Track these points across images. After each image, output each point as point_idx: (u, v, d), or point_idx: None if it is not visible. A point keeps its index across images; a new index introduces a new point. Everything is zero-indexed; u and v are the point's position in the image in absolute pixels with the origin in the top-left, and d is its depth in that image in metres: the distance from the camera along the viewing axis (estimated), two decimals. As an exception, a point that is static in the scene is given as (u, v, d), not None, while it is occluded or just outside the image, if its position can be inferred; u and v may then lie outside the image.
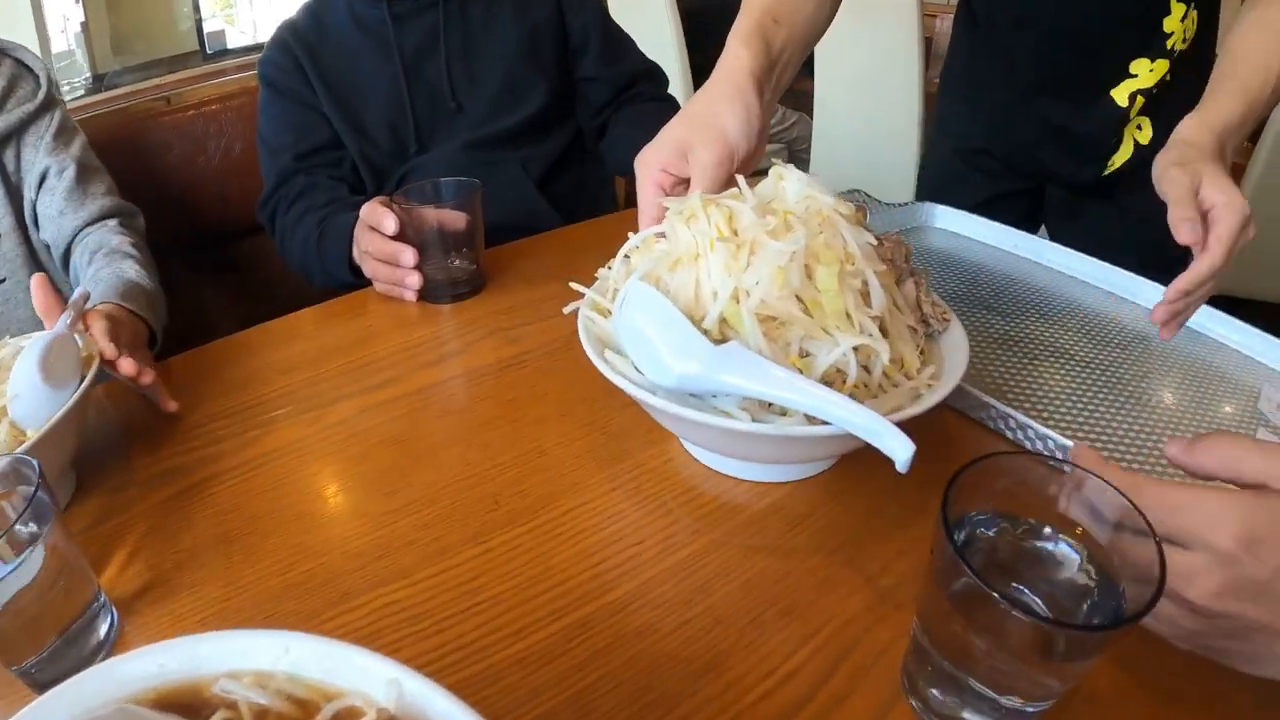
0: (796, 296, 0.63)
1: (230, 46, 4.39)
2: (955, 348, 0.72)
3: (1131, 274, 1.09)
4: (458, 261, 1.07)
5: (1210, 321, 1.00)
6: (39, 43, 4.03)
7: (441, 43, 1.47)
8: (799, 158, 3.68)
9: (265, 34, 4.56)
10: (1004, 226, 1.24)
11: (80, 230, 1.19)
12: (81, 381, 0.74)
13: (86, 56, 4.13)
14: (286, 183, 1.42)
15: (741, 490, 0.72)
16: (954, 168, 1.48)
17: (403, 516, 0.70)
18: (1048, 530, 0.52)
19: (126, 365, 0.83)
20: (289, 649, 0.38)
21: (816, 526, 0.68)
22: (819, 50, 3.16)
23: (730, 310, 0.64)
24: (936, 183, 1.51)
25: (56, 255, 1.21)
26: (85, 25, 4.22)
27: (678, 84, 3.41)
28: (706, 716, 0.53)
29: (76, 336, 0.80)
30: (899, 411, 0.61)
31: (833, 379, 0.62)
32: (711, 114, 0.80)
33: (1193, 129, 0.87)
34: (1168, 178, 0.82)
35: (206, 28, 4.22)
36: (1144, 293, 1.07)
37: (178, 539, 0.70)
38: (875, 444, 0.56)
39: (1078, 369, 0.92)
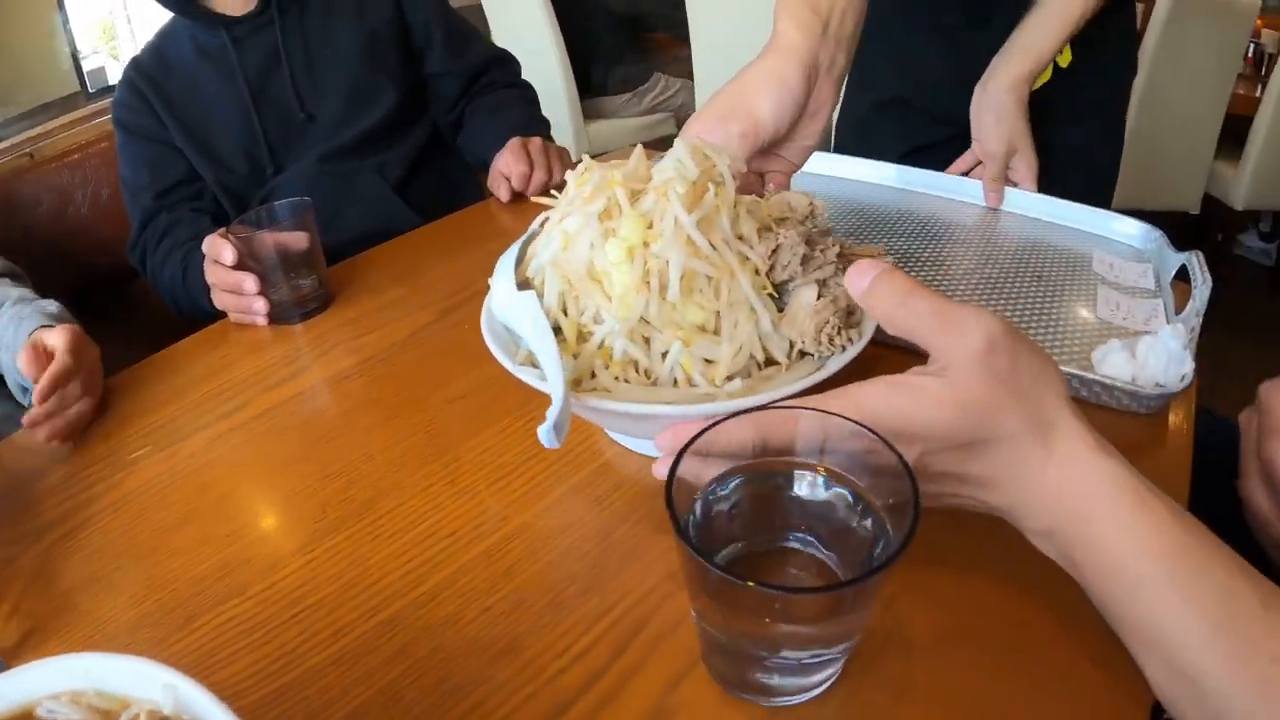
0: (591, 267, 0.65)
1: (112, 83, 4.31)
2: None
3: (968, 180, 1.20)
4: (301, 280, 1.08)
5: (1039, 206, 1.14)
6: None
7: (284, 58, 1.47)
8: (686, 124, 3.68)
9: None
10: (853, 159, 1.30)
11: None
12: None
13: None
14: (151, 222, 1.42)
15: (552, 472, 0.75)
16: (872, 121, 1.47)
17: (241, 537, 0.73)
18: (805, 473, 0.53)
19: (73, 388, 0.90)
20: (88, 670, 0.42)
21: (624, 499, 0.71)
22: (692, 14, 3.18)
23: (545, 270, 0.68)
24: (855, 137, 1.50)
25: None
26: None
27: (554, 61, 3.41)
28: (503, 698, 0.55)
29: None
30: (652, 405, 0.61)
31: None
32: (747, 92, 0.78)
33: (1014, 80, 1.06)
34: (986, 129, 1.05)
35: (86, 65, 4.12)
36: (980, 193, 1.20)
37: (53, 585, 0.72)
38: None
39: (932, 269, 1.03)
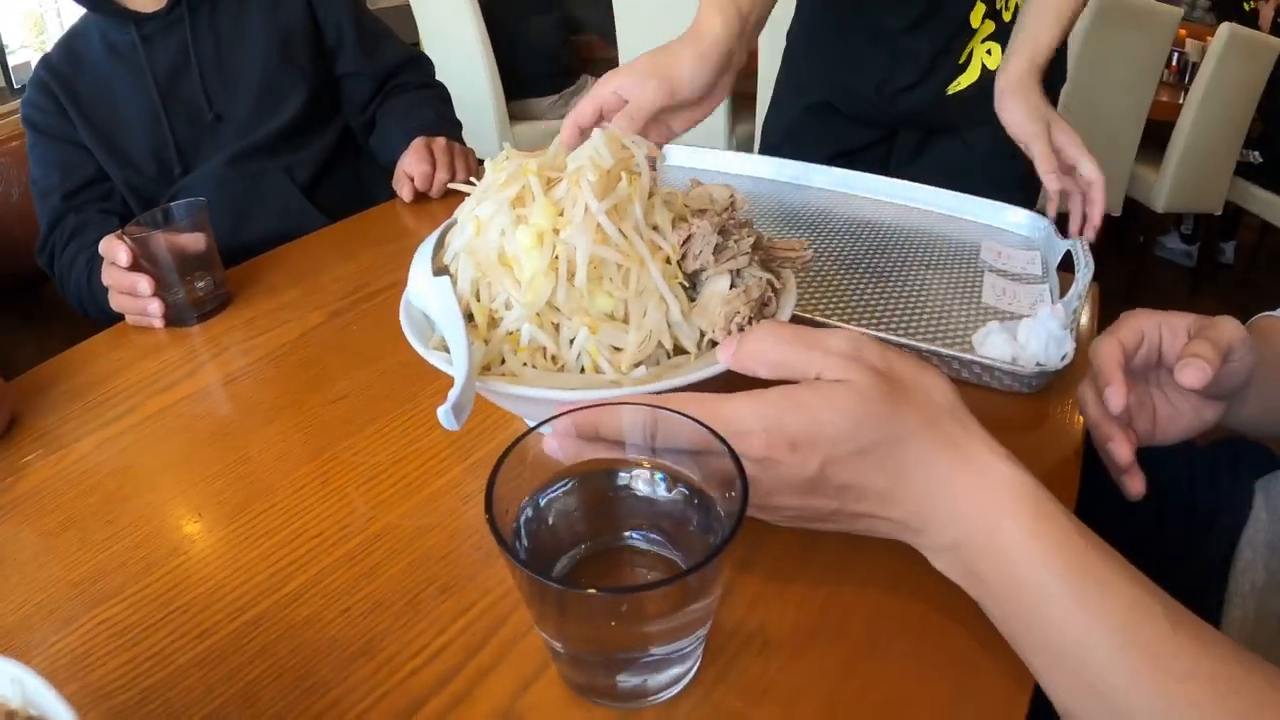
0: (502, 253, 0.67)
1: (40, 79, 4.22)
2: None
3: (873, 175, 1.27)
4: (198, 282, 1.08)
5: (932, 198, 1.22)
6: None
7: (193, 56, 1.46)
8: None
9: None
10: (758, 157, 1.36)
11: None
12: None
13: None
14: (59, 224, 1.41)
15: (422, 472, 0.77)
16: (801, 125, 1.53)
17: (119, 540, 0.74)
18: (639, 472, 0.54)
19: None
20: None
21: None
22: (619, 16, 3.20)
23: (459, 257, 0.70)
24: (784, 139, 1.55)
25: None
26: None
27: (480, 62, 3.40)
28: (358, 697, 0.57)
29: None
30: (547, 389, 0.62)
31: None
32: (669, 59, 0.86)
33: (1023, 69, 1.09)
34: (1013, 112, 1.06)
35: (12, 60, 4.03)
36: (880, 188, 1.27)
37: None
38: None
39: (827, 261, 1.08)
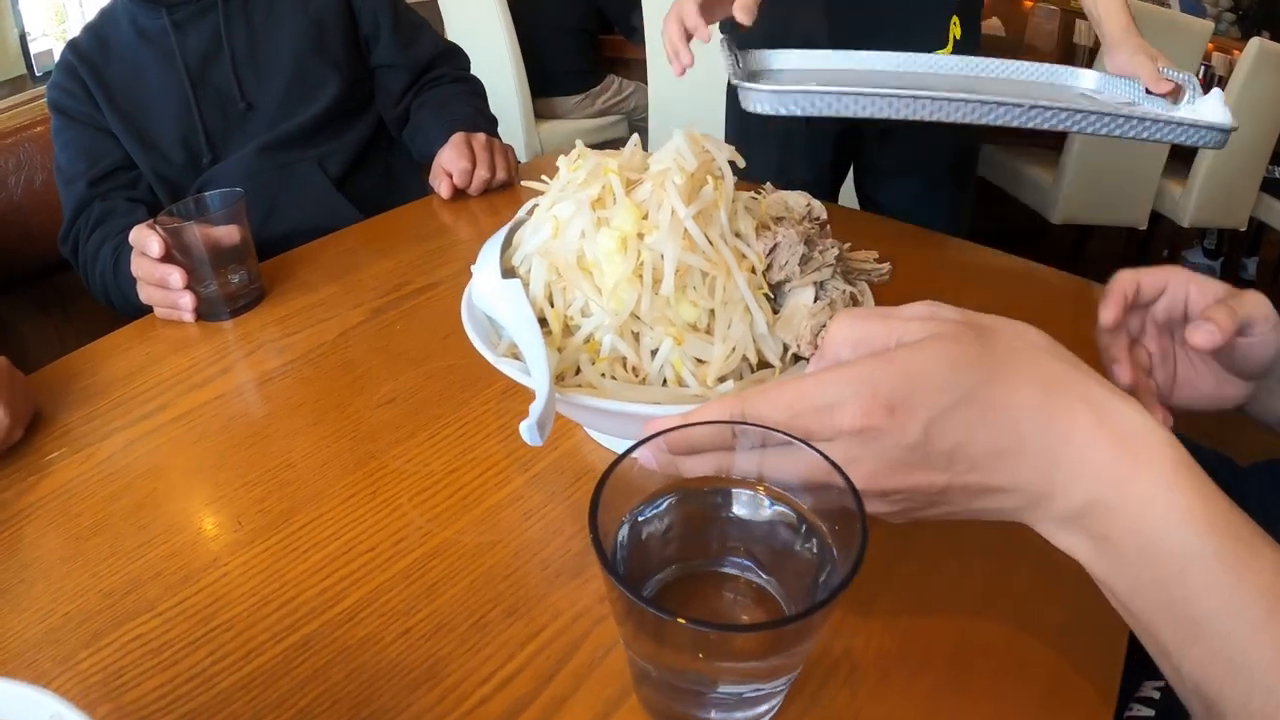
0: (581, 256, 0.64)
1: (60, 66, 4.24)
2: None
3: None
4: (232, 276, 1.05)
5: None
6: None
7: (225, 43, 1.43)
8: (638, 127, 3.70)
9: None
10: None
11: None
12: None
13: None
14: (84, 211, 1.38)
15: (480, 484, 0.73)
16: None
17: (153, 548, 0.70)
18: (743, 491, 0.50)
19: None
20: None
21: (554, 514, 0.69)
22: (648, 16, 3.17)
23: (533, 259, 0.67)
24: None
25: None
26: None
27: (507, 60, 3.40)
28: None
29: None
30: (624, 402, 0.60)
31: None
32: None
33: (1125, 29, 1.21)
34: (1129, 59, 1.16)
35: (34, 48, 4.04)
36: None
37: None
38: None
39: None
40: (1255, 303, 0.63)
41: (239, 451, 0.80)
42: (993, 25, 4.05)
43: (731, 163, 0.69)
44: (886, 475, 0.46)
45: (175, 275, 1.03)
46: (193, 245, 1.02)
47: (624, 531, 0.49)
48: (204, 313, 1.06)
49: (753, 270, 0.64)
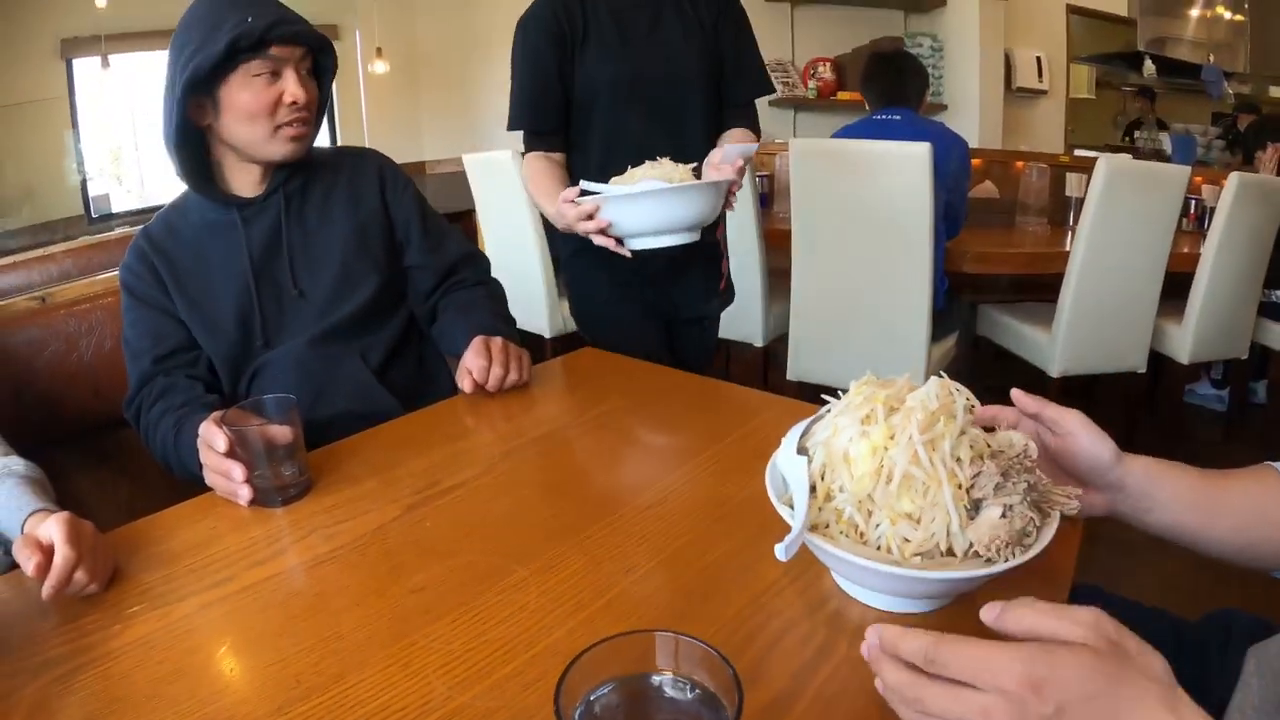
0: (846, 452, 0.93)
1: (115, 210, 4.50)
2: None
3: None
4: (284, 469, 1.26)
5: None
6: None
7: (284, 240, 1.68)
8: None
9: (151, 191, 4.69)
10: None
11: None
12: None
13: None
14: (148, 384, 1.59)
15: (492, 659, 0.93)
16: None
17: (226, 695, 0.90)
18: (665, 678, 0.73)
19: (78, 576, 1.02)
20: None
21: (546, 688, 0.88)
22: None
23: (818, 446, 0.99)
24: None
25: None
26: (-36, 188, 4.30)
27: (531, 241, 3.68)
28: None
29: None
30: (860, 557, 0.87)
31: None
32: None
33: None
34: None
35: (92, 190, 4.30)
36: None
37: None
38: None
39: None
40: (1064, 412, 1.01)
41: (296, 622, 1.01)
42: (985, 188, 4.30)
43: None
44: None
45: (237, 470, 1.23)
46: (252, 443, 1.23)
47: (581, 708, 0.71)
48: (259, 500, 1.26)
49: (959, 486, 0.89)
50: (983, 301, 4.02)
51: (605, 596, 1.03)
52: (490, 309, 1.86)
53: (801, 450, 1.00)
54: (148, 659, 0.97)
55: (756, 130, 2.25)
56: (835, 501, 0.93)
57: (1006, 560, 0.86)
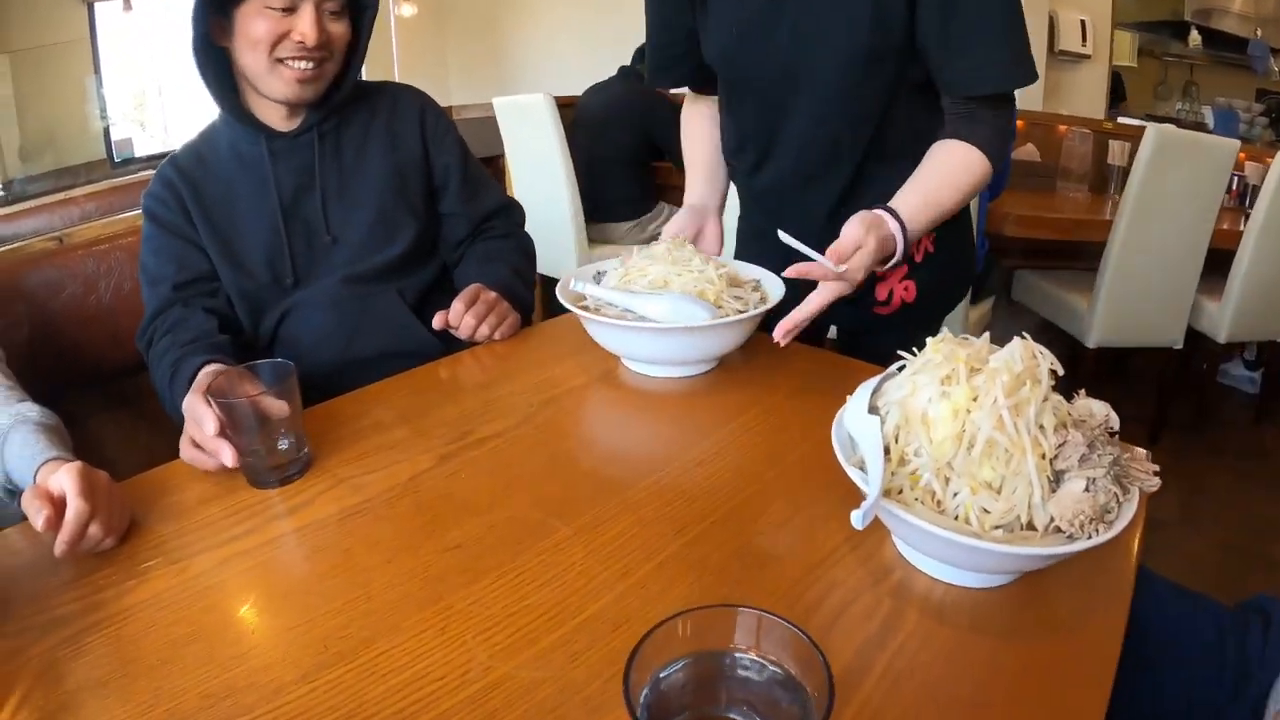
0: (924, 414, 0.87)
1: (138, 154, 4.48)
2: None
3: None
4: (281, 443, 1.13)
5: None
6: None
7: (317, 179, 1.61)
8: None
9: (174, 137, 4.66)
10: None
11: None
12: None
13: (-5, 160, 4.19)
14: (163, 313, 1.53)
15: (535, 626, 0.86)
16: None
17: (247, 660, 0.83)
18: (742, 656, 0.67)
19: (92, 531, 0.96)
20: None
21: (597, 658, 0.82)
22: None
23: (892, 406, 0.92)
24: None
25: None
26: (-9, 131, 4.31)
27: (563, 185, 3.61)
28: None
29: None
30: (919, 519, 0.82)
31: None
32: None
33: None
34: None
35: (115, 134, 4.28)
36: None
37: (61, 684, 0.82)
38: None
39: None
40: None
41: (323, 580, 0.94)
42: (1028, 151, 4.23)
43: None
44: None
45: (227, 452, 1.11)
46: (244, 420, 1.10)
47: (649, 686, 0.64)
48: (252, 480, 1.13)
49: (1042, 456, 0.84)
50: (1019, 266, 3.97)
51: (655, 559, 0.96)
52: (509, 263, 1.79)
53: (872, 409, 0.94)
54: (162, 618, 0.91)
55: (993, 150, 1.40)
56: (910, 466, 0.87)
57: (1090, 536, 0.81)
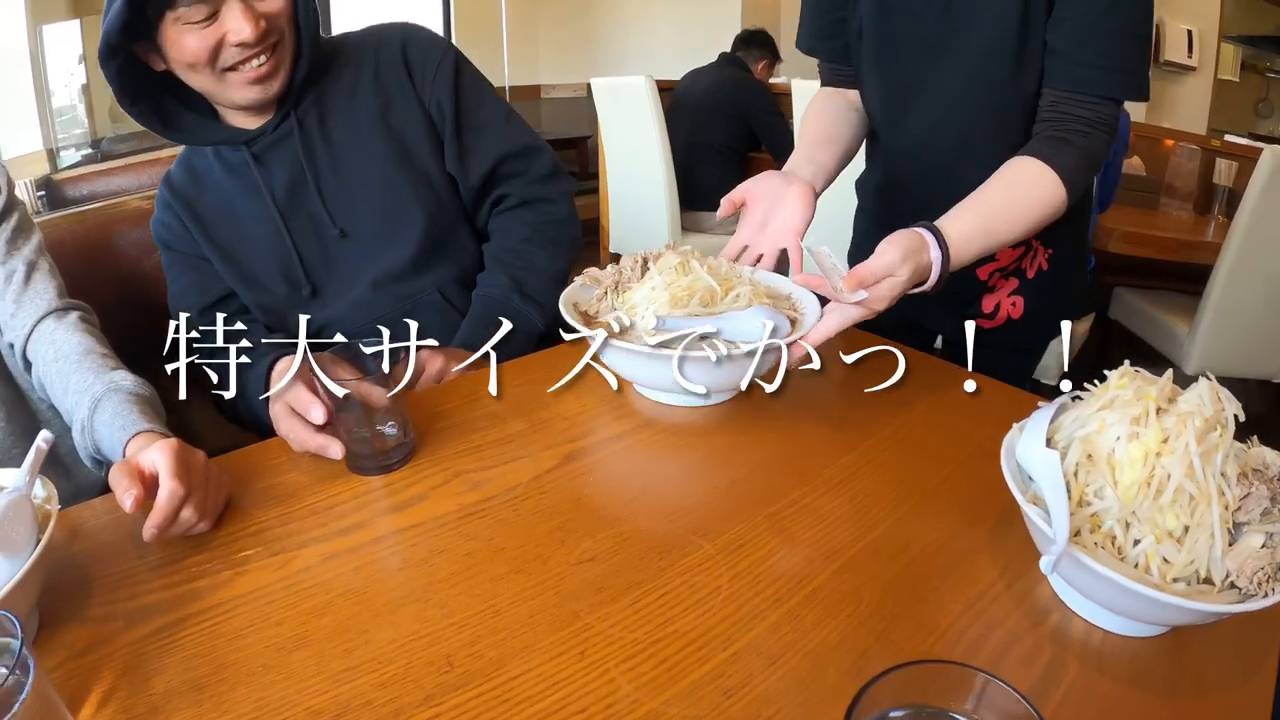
0: (1111, 454, 0.82)
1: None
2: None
3: None
4: (387, 432, 1.05)
5: None
6: (37, 98, 4.14)
7: (307, 170, 1.46)
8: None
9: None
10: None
11: (35, 325, 1.21)
12: (39, 544, 0.78)
13: (87, 116, 4.34)
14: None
15: (682, 657, 0.77)
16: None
17: (360, 674, 0.75)
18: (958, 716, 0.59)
19: (186, 515, 0.90)
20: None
21: (749, 697, 0.73)
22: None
23: (1074, 441, 0.86)
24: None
25: (17, 356, 1.23)
26: (86, 88, 4.37)
27: (660, 175, 3.55)
28: None
29: (38, 487, 0.86)
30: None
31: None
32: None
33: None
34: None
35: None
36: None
37: (150, 682, 0.75)
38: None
39: None
40: None
41: (443, 587, 0.86)
42: (1134, 165, 4.09)
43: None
44: None
45: (335, 449, 1.04)
46: (351, 407, 1.03)
47: None
48: (354, 467, 1.06)
49: (1226, 506, 0.79)
50: (1119, 284, 3.81)
51: (808, 587, 0.87)
52: (508, 269, 1.55)
53: (1049, 443, 0.88)
54: (263, 618, 0.83)
55: (1074, 181, 1.26)
56: (1092, 508, 0.83)
57: (1267, 595, 0.76)
